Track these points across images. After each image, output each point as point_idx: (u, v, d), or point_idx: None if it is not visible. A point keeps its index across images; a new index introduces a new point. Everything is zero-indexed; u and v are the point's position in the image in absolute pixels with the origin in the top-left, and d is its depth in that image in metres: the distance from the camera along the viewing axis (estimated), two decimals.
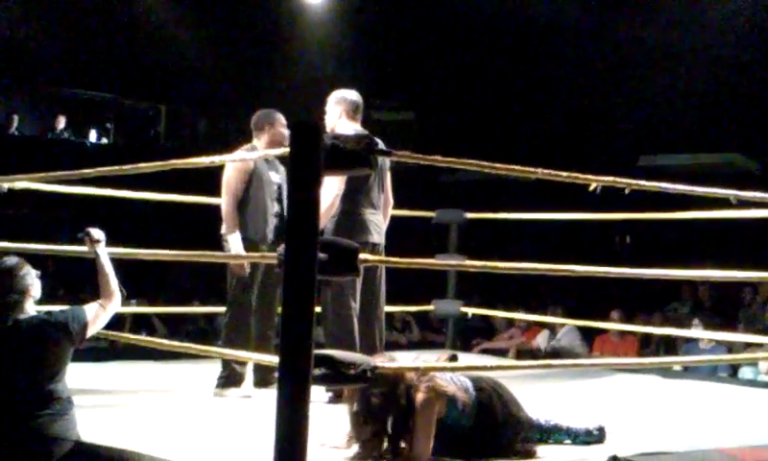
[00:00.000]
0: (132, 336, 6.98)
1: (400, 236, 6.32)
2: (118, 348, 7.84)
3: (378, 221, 5.80)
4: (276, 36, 16.64)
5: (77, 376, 4.83)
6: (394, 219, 6.10)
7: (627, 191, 4.92)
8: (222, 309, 6.28)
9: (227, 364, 5.90)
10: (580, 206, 7.27)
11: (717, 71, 13.50)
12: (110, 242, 4.68)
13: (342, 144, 3.83)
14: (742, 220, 6.43)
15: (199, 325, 11.39)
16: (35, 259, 4.43)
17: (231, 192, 5.92)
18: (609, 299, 10.75)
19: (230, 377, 5.86)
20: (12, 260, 4.31)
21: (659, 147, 13.66)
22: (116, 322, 4.92)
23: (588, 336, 10.46)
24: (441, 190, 14.31)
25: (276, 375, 5.92)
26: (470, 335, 11.02)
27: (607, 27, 14.63)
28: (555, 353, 9.97)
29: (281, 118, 6.09)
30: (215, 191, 6.15)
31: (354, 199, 5.66)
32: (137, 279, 11.32)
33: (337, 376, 3.70)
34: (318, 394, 4.27)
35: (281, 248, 3.73)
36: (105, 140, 18.48)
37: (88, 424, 4.31)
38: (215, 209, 6.14)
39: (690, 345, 9.50)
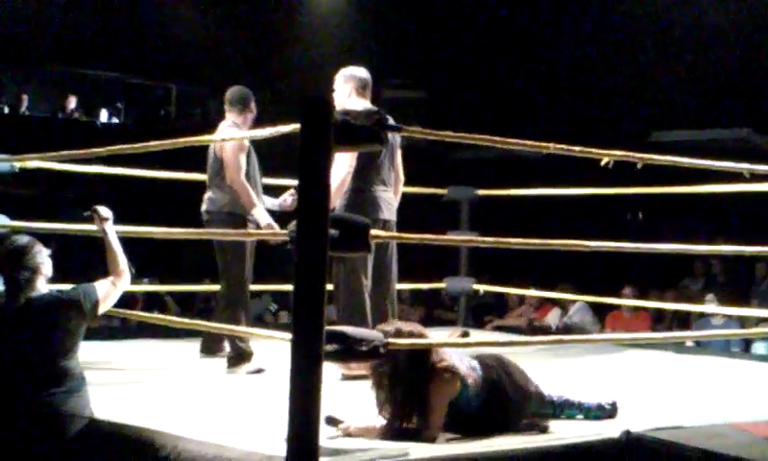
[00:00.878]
0: (144, 314, 7.01)
1: (413, 213, 6.32)
2: (131, 326, 7.88)
3: (389, 198, 5.79)
4: (286, 14, 16.58)
5: (90, 354, 4.87)
6: (405, 196, 6.09)
7: (639, 166, 4.90)
8: None
9: (232, 342, 5.94)
10: (591, 183, 7.25)
11: (728, 46, 13.41)
12: (121, 221, 4.69)
13: (352, 120, 3.81)
14: (755, 194, 6.38)
15: (210, 303, 11.41)
16: (45, 238, 4.45)
17: (240, 171, 5.98)
18: (621, 275, 10.68)
19: (239, 355, 5.89)
20: (23, 239, 4.34)
21: (670, 123, 13.58)
22: (129, 300, 4.94)
23: (601, 313, 10.44)
24: (452, 169, 14.26)
25: (223, 344, 6.06)
26: (482, 312, 11.03)
27: (618, 2, 14.54)
28: (566, 331, 9.96)
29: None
30: None
31: (365, 176, 5.65)
32: (151, 259, 11.36)
33: (349, 351, 3.70)
34: (330, 371, 4.26)
35: (292, 224, 3.73)
36: (115, 120, 18.49)
37: (102, 402, 4.33)
38: None
39: (703, 320, 9.48)
